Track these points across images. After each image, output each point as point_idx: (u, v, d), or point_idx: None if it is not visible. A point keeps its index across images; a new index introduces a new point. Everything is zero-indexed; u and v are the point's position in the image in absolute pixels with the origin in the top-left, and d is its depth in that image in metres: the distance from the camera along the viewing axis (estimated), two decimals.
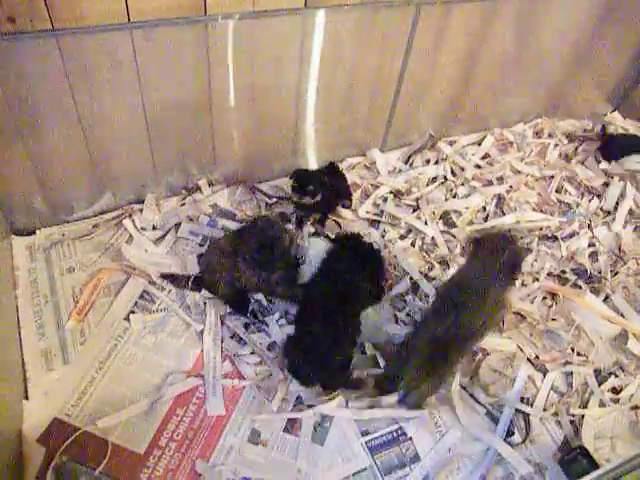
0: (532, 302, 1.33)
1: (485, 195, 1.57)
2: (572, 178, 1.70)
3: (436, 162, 1.68)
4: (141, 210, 1.42)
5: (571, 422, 1.14)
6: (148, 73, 1.17)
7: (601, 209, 1.62)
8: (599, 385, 1.20)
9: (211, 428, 1.07)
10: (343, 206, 1.51)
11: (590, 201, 1.63)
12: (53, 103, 1.13)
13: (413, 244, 1.44)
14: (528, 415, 1.14)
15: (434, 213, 1.50)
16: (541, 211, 1.57)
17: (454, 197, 1.57)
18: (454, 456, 1.07)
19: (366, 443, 1.07)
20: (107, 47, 1.10)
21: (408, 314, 1.27)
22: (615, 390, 1.20)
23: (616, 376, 1.22)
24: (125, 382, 1.11)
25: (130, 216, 1.41)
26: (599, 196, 1.65)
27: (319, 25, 1.26)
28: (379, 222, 1.49)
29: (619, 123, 1.98)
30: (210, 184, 1.49)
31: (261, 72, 1.29)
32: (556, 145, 1.81)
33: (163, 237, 1.39)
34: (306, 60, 1.32)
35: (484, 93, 1.69)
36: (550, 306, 1.33)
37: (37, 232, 1.36)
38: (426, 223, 1.48)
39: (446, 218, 1.51)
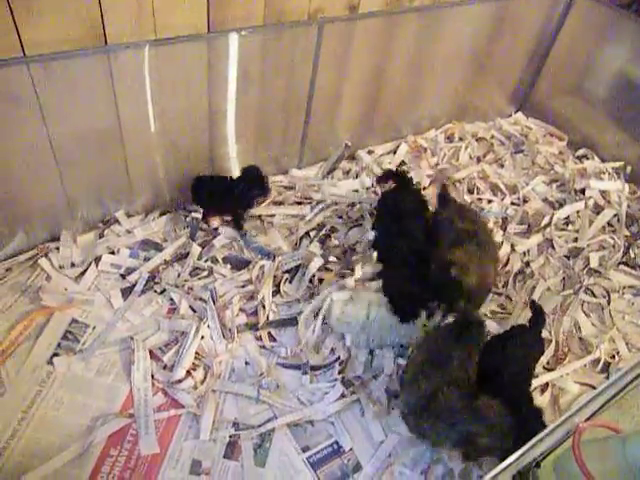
0: None
1: None
2: (484, 179, 1.78)
3: (356, 176, 1.71)
4: (57, 248, 1.36)
5: None
6: (51, 107, 1.13)
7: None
8: None
9: (148, 465, 1.04)
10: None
11: (503, 200, 1.71)
12: None
13: None
14: None
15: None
16: None
17: None
18: (394, 460, 1.09)
19: (307, 459, 1.08)
20: (2, 82, 1.05)
21: None
22: None
23: None
24: (52, 429, 1.06)
25: (46, 255, 1.35)
26: (513, 194, 1.73)
27: (225, 48, 1.27)
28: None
29: (523, 123, 2.10)
30: (128, 215, 1.46)
31: (171, 99, 1.28)
32: (466, 147, 1.89)
33: (83, 273, 1.34)
34: (216, 83, 1.32)
35: (395, 103, 1.75)
36: None
37: None
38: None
39: None
